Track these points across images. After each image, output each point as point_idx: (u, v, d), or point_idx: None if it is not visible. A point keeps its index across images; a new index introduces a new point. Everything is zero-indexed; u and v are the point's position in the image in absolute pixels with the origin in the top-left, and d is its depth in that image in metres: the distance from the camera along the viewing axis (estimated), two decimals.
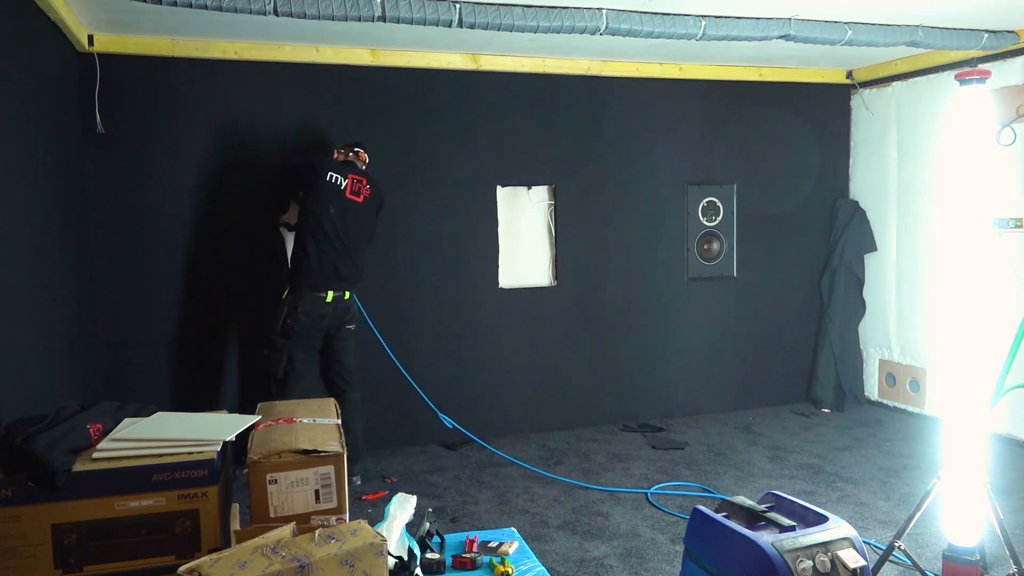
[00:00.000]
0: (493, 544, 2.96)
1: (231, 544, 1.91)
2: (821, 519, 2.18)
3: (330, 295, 3.93)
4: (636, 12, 3.64)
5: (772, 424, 5.11)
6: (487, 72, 4.76)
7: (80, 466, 1.88)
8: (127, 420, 2.16)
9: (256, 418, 2.35)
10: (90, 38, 4.01)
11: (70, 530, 1.85)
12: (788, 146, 5.48)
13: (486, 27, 3.49)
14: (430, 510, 3.12)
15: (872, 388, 5.59)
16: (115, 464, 1.90)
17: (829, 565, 2.03)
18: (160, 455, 1.94)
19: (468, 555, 2.83)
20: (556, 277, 5.09)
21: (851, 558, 2.06)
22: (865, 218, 5.51)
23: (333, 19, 3.31)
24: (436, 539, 2.98)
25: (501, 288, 4.95)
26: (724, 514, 2.27)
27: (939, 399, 5.00)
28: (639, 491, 3.91)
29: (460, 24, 3.44)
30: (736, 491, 3.81)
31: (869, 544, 3.17)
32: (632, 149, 5.13)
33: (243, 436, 2.20)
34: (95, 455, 1.93)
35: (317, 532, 1.77)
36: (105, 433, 2.06)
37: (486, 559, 2.85)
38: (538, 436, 4.93)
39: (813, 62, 5.22)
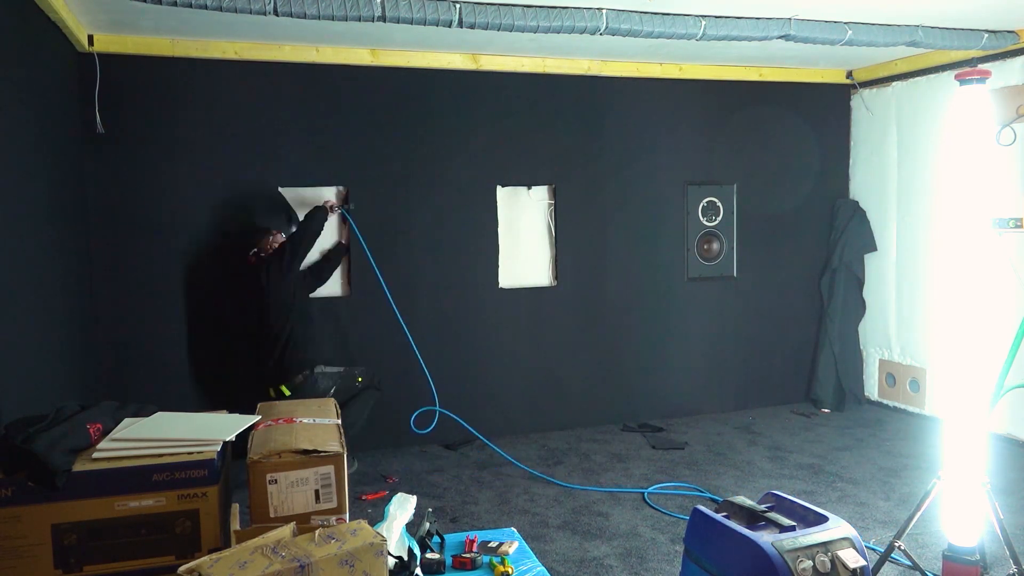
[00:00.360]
0: (493, 544, 2.96)
1: (231, 544, 1.91)
2: (821, 519, 2.18)
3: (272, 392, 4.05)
4: (636, 12, 3.64)
5: (772, 424, 5.11)
6: (487, 72, 4.76)
7: (80, 466, 1.88)
8: (127, 420, 2.16)
9: (256, 418, 2.35)
10: (90, 38, 4.01)
11: (70, 530, 1.85)
12: (788, 146, 5.48)
13: (486, 27, 3.49)
14: (430, 510, 3.12)
15: (872, 388, 5.59)
16: (115, 464, 1.90)
17: (829, 565, 2.03)
18: (160, 455, 1.94)
19: (468, 555, 2.83)
20: (556, 277, 5.09)
21: (851, 558, 2.06)
22: (865, 218, 5.51)
23: (333, 19, 3.31)
24: (436, 539, 2.98)
25: (501, 288, 4.95)
26: (724, 514, 2.27)
27: (939, 399, 4.99)
28: (635, 490, 3.91)
29: (460, 24, 3.44)
30: (736, 491, 3.81)
31: (869, 547, 3.17)
32: (632, 149, 5.13)
33: (243, 436, 2.20)
34: (95, 455, 1.93)
35: (317, 532, 1.77)
36: (105, 433, 2.06)
37: (486, 559, 2.85)
38: (538, 436, 4.93)
39: (813, 62, 5.22)
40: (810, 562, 2.01)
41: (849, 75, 5.50)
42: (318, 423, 2.35)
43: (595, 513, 3.66)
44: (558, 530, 3.46)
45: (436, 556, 2.79)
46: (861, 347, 5.63)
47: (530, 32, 3.59)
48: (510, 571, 2.74)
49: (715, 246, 5.40)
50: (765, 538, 2.06)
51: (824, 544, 2.07)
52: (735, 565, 2.10)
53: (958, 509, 2.76)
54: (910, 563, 2.88)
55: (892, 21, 4.01)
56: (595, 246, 5.12)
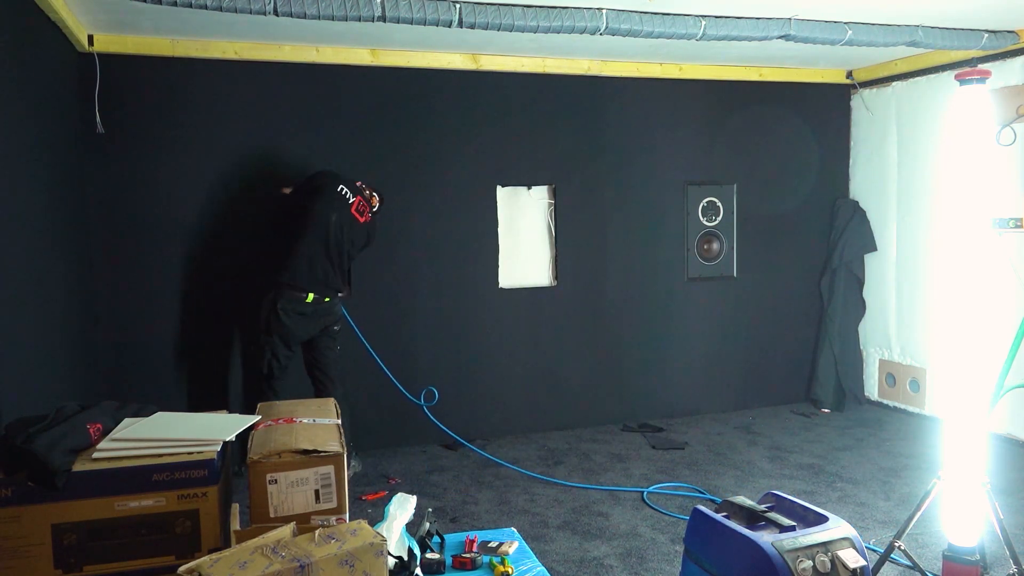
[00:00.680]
0: (493, 544, 2.96)
1: (231, 544, 1.91)
2: (821, 519, 2.18)
3: (311, 297, 4.00)
4: (636, 12, 3.64)
5: (772, 424, 5.11)
6: (487, 72, 4.76)
7: (80, 466, 1.88)
8: (127, 420, 2.16)
9: (256, 418, 2.35)
10: (90, 38, 4.01)
11: (70, 530, 1.85)
12: (788, 146, 5.48)
13: (486, 27, 3.49)
14: (430, 510, 3.12)
15: (872, 388, 5.59)
16: (115, 464, 1.90)
17: (829, 565, 2.03)
18: (160, 455, 1.94)
19: (468, 555, 2.83)
20: (556, 277, 5.09)
21: (851, 558, 2.06)
22: (865, 218, 5.51)
23: (333, 19, 3.31)
24: (436, 539, 2.98)
25: (501, 288, 4.95)
26: (724, 514, 2.27)
27: (939, 399, 5.00)
28: (634, 490, 3.91)
29: (460, 24, 3.44)
30: (736, 491, 3.81)
31: (869, 547, 3.17)
32: (632, 149, 5.13)
33: (243, 436, 2.20)
34: (95, 455, 1.93)
35: (317, 532, 1.77)
36: (105, 433, 2.06)
37: (486, 559, 2.85)
38: (538, 436, 4.93)
39: (813, 62, 5.22)
40: (810, 562, 2.01)
41: (849, 75, 5.50)
42: (318, 423, 2.35)
43: (595, 513, 3.66)
44: (558, 530, 3.46)
45: (436, 556, 2.79)
46: (861, 347, 5.63)
47: (530, 32, 3.59)
48: (510, 571, 2.74)
49: (715, 246, 5.40)
50: (765, 538, 2.06)
51: (824, 544, 2.07)
52: (735, 565, 2.10)
53: (958, 509, 2.76)
54: (910, 563, 2.88)
55: (892, 21, 4.01)
56: (595, 246, 5.12)
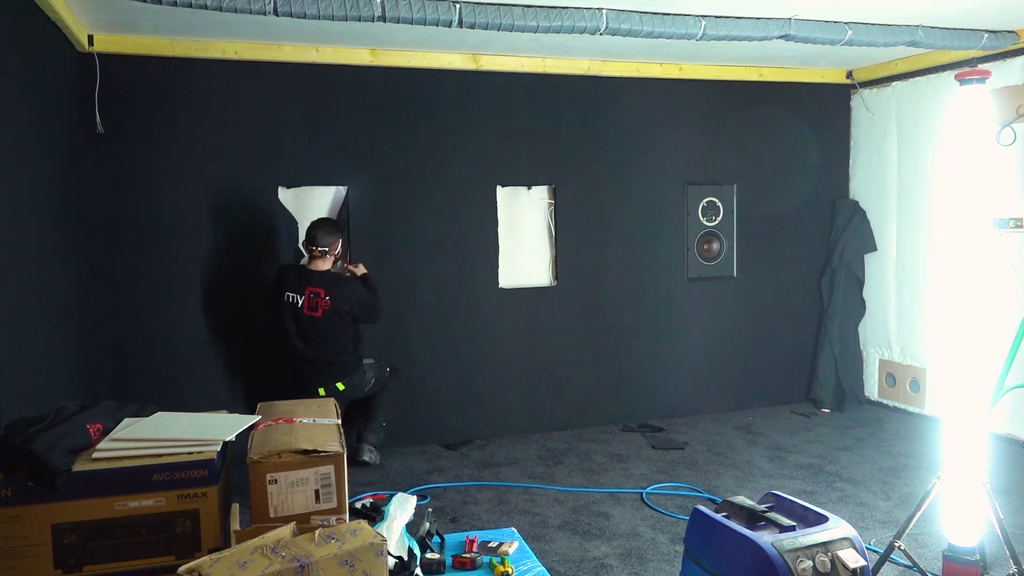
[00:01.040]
0: (493, 544, 2.96)
1: (231, 544, 1.91)
2: (821, 519, 2.18)
3: (322, 391, 4.12)
4: (636, 12, 3.64)
5: (772, 424, 5.11)
6: (487, 72, 4.76)
7: (80, 466, 1.88)
8: (127, 420, 2.17)
9: (256, 418, 2.35)
10: (90, 38, 4.01)
11: (70, 530, 1.85)
12: (788, 146, 5.48)
13: (486, 27, 3.49)
14: (430, 510, 3.12)
15: (872, 388, 5.59)
16: (115, 464, 1.90)
17: (829, 565, 2.03)
18: (160, 455, 1.94)
19: (468, 555, 2.83)
20: (556, 277, 5.09)
21: (851, 558, 2.06)
22: (865, 218, 5.51)
23: (333, 19, 3.30)
24: (436, 539, 2.98)
25: (501, 288, 4.95)
26: (724, 514, 2.27)
27: (939, 399, 4.99)
28: (633, 491, 3.91)
29: (460, 24, 3.44)
30: (736, 491, 3.81)
31: (869, 547, 3.17)
32: (632, 149, 5.13)
33: (243, 436, 2.20)
34: (95, 455, 1.93)
35: (317, 532, 1.77)
36: (105, 433, 2.06)
37: (486, 559, 2.85)
38: (538, 436, 4.93)
39: (813, 62, 5.22)
40: (810, 562, 2.02)
41: (849, 75, 5.50)
42: (318, 423, 2.35)
43: (595, 513, 3.66)
44: (558, 530, 3.46)
45: (436, 556, 2.80)
46: (861, 347, 5.63)
47: (530, 32, 3.59)
48: (510, 571, 2.74)
49: (715, 246, 5.40)
50: (765, 538, 2.06)
51: (824, 544, 2.07)
52: (735, 565, 2.10)
53: (958, 509, 2.76)
54: (910, 563, 2.88)
55: (892, 21, 4.01)
56: (595, 246, 5.11)
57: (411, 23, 3.39)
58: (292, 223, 4.48)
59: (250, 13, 3.19)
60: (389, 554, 2.43)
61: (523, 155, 4.92)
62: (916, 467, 4.20)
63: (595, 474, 4.20)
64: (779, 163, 5.47)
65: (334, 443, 2.16)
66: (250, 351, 4.45)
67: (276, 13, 3.23)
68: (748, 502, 2.28)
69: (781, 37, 3.91)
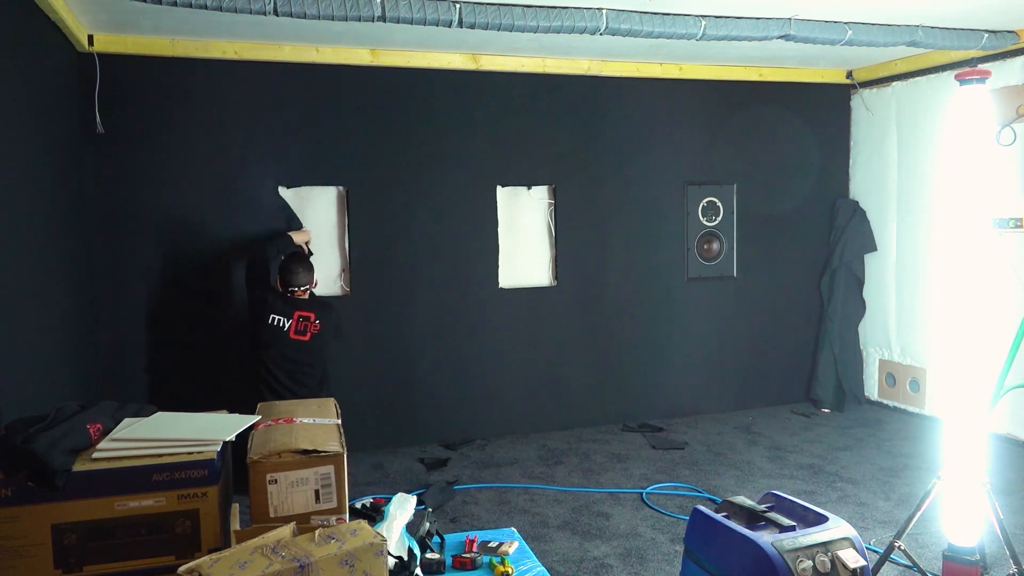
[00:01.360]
0: (493, 544, 2.96)
1: (231, 544, 1.91)
2: (821, 519, 2.18)
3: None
4: (636, 12, 3.64)
5: (772, 424, 5.11)
6: (487, 72, 4.76)
7: (80, 466, 1.88)
8: (127, 420, 2.16)
9: (256, 418, 2.35)
10: (90, 38, 4.01)
11: (70, 530, 1.85)
12: (788, 146, 5.48)
13: (486, 27, 3.49)
14: (430, 510, 3.12)
15: (872, 388, 5.59)
16: (115, 464, 1.90)
17: (829, 565, 2.03)
18: (160, 455, 1.94)
19: (468, 555, 2.83)
20: (556, 277, 5.09)
21: (851, 558, 2.06)
22: (865, 218, 5.51)
23: (333, 19, 3.30)
24: (436, 539, 2.98)
25: (501, 288, 4.95)
26: (724, 514, 2.27)
27: (939, 399, 4.99)
28: (633, 491, 3.91)
29: (460, 24, 3.44)
30: (736, 491, 3.81)
31: (869, 547, 3.17)
32: (632, 149, 5.13)
33: (243, 436, 2.20)
34: (95, 455, 1.93)
35: (317, 532, 1.76)
36: (105, 433, 2.06)
37: (486, 559, 2.85)
38: (538, 436, 4.93)
39: (813, 62, 5.22)
40: (810, 562, 2.01)
41: (849, 75, 5.50)
42: (318, 423, 2.35)
43: (595, 513, 3.66)
44: (558, 530, 3.46)
45: (436, 556, 2.79)
46: (861, 347, 5.63)
47: (530, 32, 3.59)
48: (510, 571, 2.74)
49: (715, 246, 5.40)
50: (765, 538, 2.06)
51: (824, 544, 2.07)
52: (735, 565, 2.10)
53: (958, 509, 2.76)
54: (910, 563, 2.88)
55: (892, 21, 4.01)
56: (595, 246, 5.11)
57: (411, 23, 3.39)
58: (296, 223, 4.47)
59: (250, 13, 3.19)
60: (389, 554, 2.43)
61: (523, 155, 4.92)
62: (916, 467, 4.20)
63: (595, 474, 4.20)
64: (779, 163, 5.47)
65: (334, 443, 2.16)
66: (250, 351, 4.45)
67: (276, 13, 3.23)
68: (748, 502, 2.28)
69: (781, 37, 3.91)
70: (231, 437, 2.10)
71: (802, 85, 5.44)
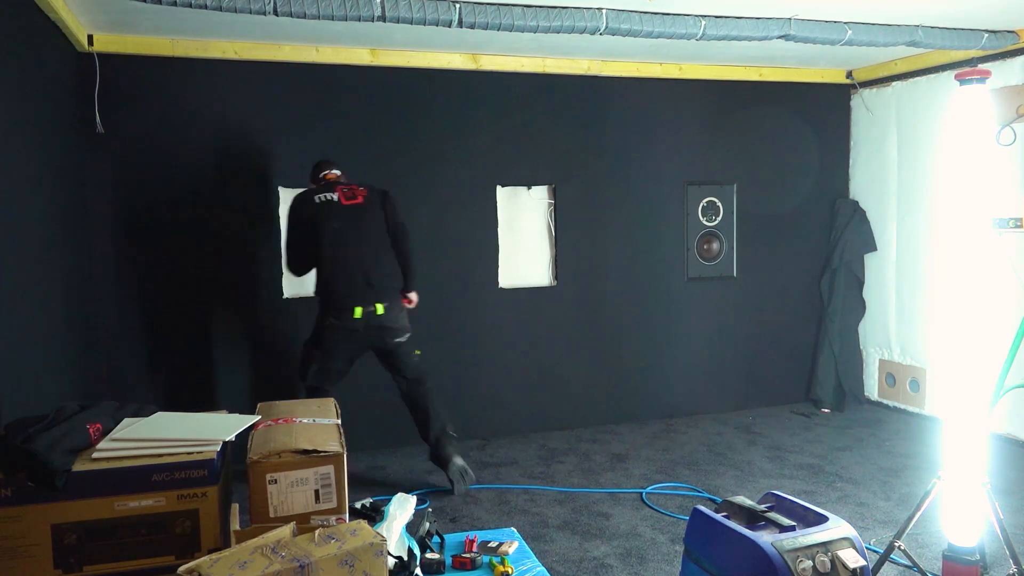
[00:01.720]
0: (493, 544, 2.96)
1: (231, 544, 1.91)
2: (821, 519, 2.18)
3: (359, 311, 3.75)
4: (636, 12, 3.64)
5: (772, 424, 5.11)
6: (487, 72, 4.76)
7: (80, 466, 1.88)
8: (127, 420, 2.17)
9: (256, 418, 2.35)
10: (90, 38, 4.01)
11: (70, 530, 1.85)
12: (788, 146, 5.48)
13: (486, 27, 3.49)
14: (430, 510, 3.12)
15: (872, 388, 5.59)
16: (115, 464, 1.90)
17: (829, 565, 2.03)
18: (160, 455, 1.94)
19: (468, 555, 2.83)
20: (556, 277, 5.09)
21: (851, 558, 2.06)
22: (865, 218, 5.51)
23: (333, 19, 3.30)
24: (436, 539, 2.98)
25: (501, 288, 4.95)
26: (724, 514, 2.27)
27: (939, 399, 4.99)
28: (633, 491, 3.91)
29: (460, 24, 3.44)
30: (736, 491, 3.81)
31: (869, 547, 3.17)
32: (632, 149, 5.13)
33: (243, 436, 2.20)
34: (95, 455, 1.93)
35: (317, 532, 1.77)
36: (105, 433, 2.06)
37: (486, 559, 2.85)
38: (538, 436, 4.92)
39: (813, 62, 5.22)
40: (810, 562, 2.01)
41: (849, 75, 5.50)
42: (318, 423, 2.35)
43: (595, 513, 3.66)
44: (558, 530, 3.46)
45: (436, 556, 2.80)
46: (861, 347, 5.63)
47: (530, 32, 3.59)
48: (510, 571, 2.74)
49: (715, 246, 5.40)
50: (765, 538, 2.06)
51: (824, 544, 2.07)
52: (735, 565, 2.10)
53: (958, 509, 2.76)
54: (910, 563, 2.88)
55: (892, 21, 4.01)
56: (595, 246, 5.11)
57: (411, 23, 3.39)
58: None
59: (250, 13, 3.19)
60: (389, 554, 2.43)
61: (523, 155, 4.92)
62: (916, 467, 4.20)
63: (595, 474, 4.20)
64: (779, 163, 5.47)
65: (334, 443, 2.16)
66: (250, 351, 4.45)
67: (276, 13, 3.23)
68: (748, 502, 2.28)
69: (781, 37, 3.91)
70: (231, 437, 2.11)
71: (802, 85, 5.44)
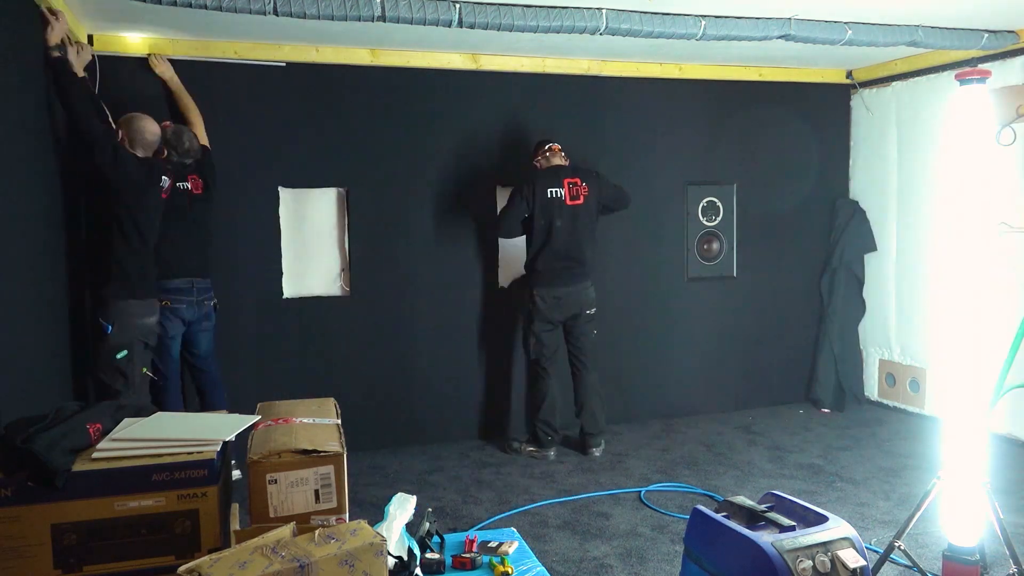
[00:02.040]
0: (493, 544, 2.96)
1: (231, 544, 1.91)
2: (821, 519, 2.18)
3: (561, 291, 4.39)
4: (636, 12, 3.64)
5: (772, 424, 5.11)
6: (487, 72, 4.76)
7: (80, 466, 1.88)
8: (127, 420, 2.16)
9: (256, 418, 2.35)
10: (90, 38, 4.00)
11: (70, 530, 1.85)
12: (788, 146, 5.48)
13: (486, 27, 3.49)
14: (430, 510, 3.12)
15: (872, 388, 5.59)
16: (115, 464, 1.90)
17: (829, 565, 2.03)
18: (160, 455, 1.94)
19: (468, 555, 2.83)
20: None
21: (851, 558, 2.06)
22: (865, 218, 5.51)
23: (333, 19, 3.31)
24: (436, 539, 2.98)
25: (501, 288, 4.95)
26: (724, 514, 2.27)
27: (939, 399, 4.99)
28: (632, 490, 3.91)
29: (460, 24, 3.44)
30: (736, 491, 3.81)
31: (869, 547, 3.17)
32: (632, 149, 5.13)
33: (243, 436, 2.20)
34: (95, 455, 1.93)
35: (317, 532, 1.76)
36: (105, 433, 2.06)
37: (486, 559, 2.85)
38: None
39: (813, 62, 5.22)
40: (810, 562, 2.01)
41: (849, 75, 5.50)
42: (318, 423, 2.35)
43: (595, 513, 3.66)
44: (558, 530, 3.46)
45: (436, 556, 2.79)
46: (861, 347, 5.63)
47: (530, 32, 3.59)
48: (510, 571, 2.74)
49: (715, 246, 5.40)
50: (765, 538, 2.06)
51: (824, 544, 2.07)
52: (735, 565, 2.10)
53: (958, 509, 2.76)
54: (910, 563, 2.88)
55: (892, 21, 4.01)
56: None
57: (411, 23, 3.39)
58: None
59: (250, 13, 3.19)
60: (389, 554, 2.43)
61: (523, 155, 4.91)
62: (916, 467, 4.20)
63: (595, 474, 4.20)
64: (779, 163, 5.47)
65: (334, 443, 2.16)
66: (250, 351, 4.45)
67: (276, 13, 3.23)
68: (748, 502, 2.28)
69: (781, 37, 3.91)
70: (231, 437, 2.10)
71: (802, 85, 5.44)
